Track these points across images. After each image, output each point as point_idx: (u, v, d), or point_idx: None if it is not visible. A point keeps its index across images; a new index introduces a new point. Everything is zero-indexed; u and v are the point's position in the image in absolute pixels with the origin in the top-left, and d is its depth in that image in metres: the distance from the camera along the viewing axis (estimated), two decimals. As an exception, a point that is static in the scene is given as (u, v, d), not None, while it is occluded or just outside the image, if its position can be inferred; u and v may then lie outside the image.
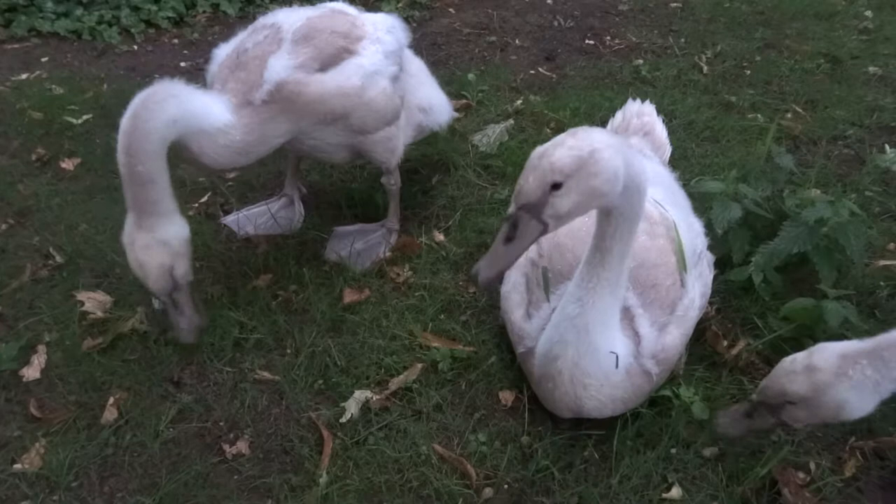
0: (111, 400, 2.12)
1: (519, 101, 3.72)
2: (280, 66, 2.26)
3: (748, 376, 2.16)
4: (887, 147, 3.15)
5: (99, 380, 2.20)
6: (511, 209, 1.59)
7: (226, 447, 2.02)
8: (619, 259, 1.76)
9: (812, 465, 1.91)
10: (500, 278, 1.63)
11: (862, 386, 1.58)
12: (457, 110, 3.66)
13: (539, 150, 1.60)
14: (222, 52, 2.44)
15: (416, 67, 2.86)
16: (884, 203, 2.84)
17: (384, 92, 2.43)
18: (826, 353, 1.62)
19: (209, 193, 3.06)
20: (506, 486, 1.91)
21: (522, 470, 1.94)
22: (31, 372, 2.23)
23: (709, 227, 2.36)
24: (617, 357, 1.86)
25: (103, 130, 3.51)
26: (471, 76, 3.90)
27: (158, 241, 2.02)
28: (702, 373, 2.18)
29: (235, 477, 1.96)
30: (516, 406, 2.11)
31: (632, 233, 1.75)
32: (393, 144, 2.60)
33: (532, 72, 4.13)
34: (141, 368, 2.24)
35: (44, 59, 4.35)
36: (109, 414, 2.09)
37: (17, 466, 1.96)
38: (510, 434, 2.04)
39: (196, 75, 4.14)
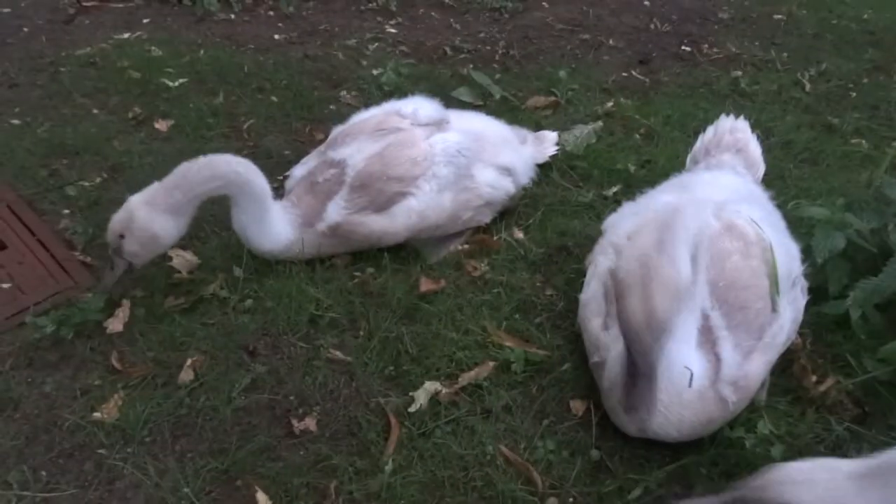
0: (188, 361, 2.16)
1: (609, 104, 3.63)
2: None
3: (836, 416, 2.05)
4: None
5: (178, 340, 2.25)
6: None
7: (294, 422, 2.03)
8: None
9: None
10: None
11: None
12: (545, 108, 3.61)
13: None
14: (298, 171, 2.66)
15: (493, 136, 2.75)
16: None
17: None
18: None
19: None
20: (571, 500, 1.87)
21: (591, 485, 1.90)
22: (115, 324, 2.29)
23: (807, 254, 2.25)
24: (692, 374, 1.79)
25: (197, 95, 3.60)
26: (562, 73, 3.81)
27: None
28: (785, 406, 2.08)
29: (302, 453, 1.97)
30: (586, 417, 2.06)
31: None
32: None
33: (625, 74, 4.02)
34: (219, 333, 2.27)
35: (145, 21, 4.48)
36: (186, 375, 2.14)
37: (97, 415, 2.02)
38: (579, 445, 1.99)
39: (288, 48, 4.20)
